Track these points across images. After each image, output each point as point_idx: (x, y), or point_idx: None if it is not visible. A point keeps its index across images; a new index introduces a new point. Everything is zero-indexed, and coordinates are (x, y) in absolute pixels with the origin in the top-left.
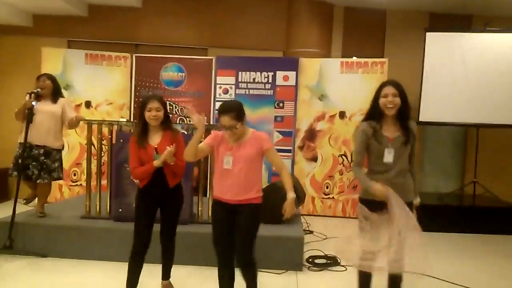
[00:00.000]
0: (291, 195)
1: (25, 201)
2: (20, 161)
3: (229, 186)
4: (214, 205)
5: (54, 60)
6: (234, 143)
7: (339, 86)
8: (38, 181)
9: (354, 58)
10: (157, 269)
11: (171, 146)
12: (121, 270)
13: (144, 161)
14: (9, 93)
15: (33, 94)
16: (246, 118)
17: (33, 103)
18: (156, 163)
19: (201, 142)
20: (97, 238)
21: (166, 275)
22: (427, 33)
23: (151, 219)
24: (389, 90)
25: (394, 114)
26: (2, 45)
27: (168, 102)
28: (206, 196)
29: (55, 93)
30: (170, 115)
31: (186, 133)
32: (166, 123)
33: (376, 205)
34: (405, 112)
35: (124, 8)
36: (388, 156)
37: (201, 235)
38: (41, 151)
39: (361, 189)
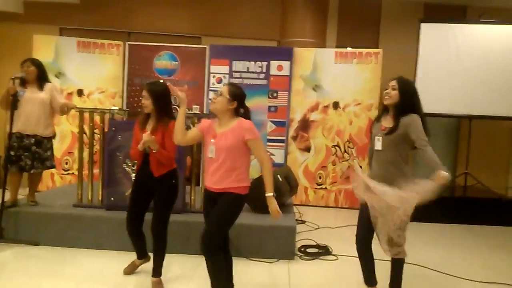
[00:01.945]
0: (269, 195)
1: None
2: (12, 152)
3: (211, 174)
4: (203, 193)
5: (45, 47)
6: (219, 130)
7: (333, 76)
8: (32, 171)
9: (349, 48)
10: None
11: (148, 133)
12: (113, 258)
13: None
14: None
15: (17, 80)
16: (238, 108)
17: (19, 90)
18: (139, 147)
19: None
20: (89, 226)
21: (155, 271)
22: (422, 24)
23: (140, 204)
24: (391, 83)
25: (393, 106)
26: None
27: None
28: (198, 185)
29: (41, 79)
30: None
31: None
32: (159, 112)
33: None
34: (402, 106)
35: None
36: (377, 144)
37: (194, 224)
38: (32, 140)
39: None
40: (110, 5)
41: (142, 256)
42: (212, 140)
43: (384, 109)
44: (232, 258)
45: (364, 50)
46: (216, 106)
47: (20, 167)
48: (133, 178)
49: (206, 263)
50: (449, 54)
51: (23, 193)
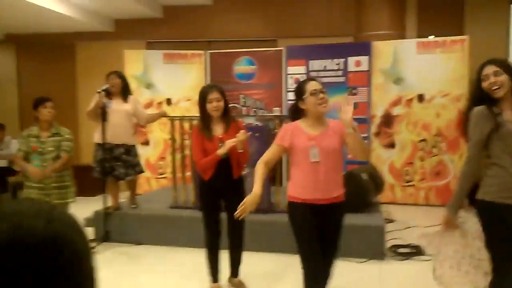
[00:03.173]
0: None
1: (110, 210)
2: (106, 164)
3: (316, 183)
4: (296, 209)
5: (135, 61)
6: (315, 132)
7: (416, 68)
8: (127, 179)
9: (431, 37)
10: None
11: (243, 131)
12: None
13: (210, 152)
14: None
15: (103, 92)
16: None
17: (105, 101)
18: (220, 151)
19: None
20: (185, 226)
21: (234, 271)
22: (511, 6)
23: (218, 211)
24: (488, 70)
25: (508, 95)
26: (89, 50)
27: (240, 95)
28: (281, 185)
29: (125, 91)
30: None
31: (259, 124)
32: (227, 113)
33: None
34: None
35: (196, 6)
36: None
37: (280, 223)
38: (122, 150)
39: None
40: (191, 17)
41: (218, 277)
42: (312, 142)
43: (487, 102)
44: None
45: (449, 38)
46: (327, 109)
47: (116, 176)
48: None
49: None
50: None
51: (123, 197)
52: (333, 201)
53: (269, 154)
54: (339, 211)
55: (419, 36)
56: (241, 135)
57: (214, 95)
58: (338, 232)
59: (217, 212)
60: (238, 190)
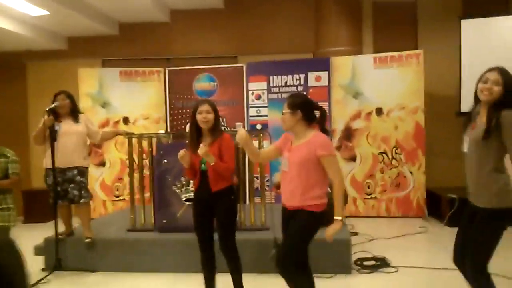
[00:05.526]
0: (337, 219)
1: (62, 236)
2: (58, 188)
3: (284, 190)
4: (281, 210)
5: (90, 79)
6: (295, 144)
7: (374, 82)
8: (82, 201)
9: (382, 53)
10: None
11: (201, 145)
12: (169, 280)
13: (195, 165)
14: None
15: (51, 112)
16: (309, 116)
17: (55, 125)
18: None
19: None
20: (144, 250)
21: None
22: (462, 21)
23: (206, 226)
24: (491, 76)
25: (490, 102)
26: (40, 69)
27: None
28: (245, 203)
29: (74, 111)
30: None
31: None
32: (216, 128)
33: None
34: (504, 102)
35: (153, 24)
36: (464, 145)
37: (246, 241)
38: (75, 171)
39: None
40: (148, 34)
41: None
42: (286, 154)
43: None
44: None
45: (404, 53)
46: (286, 126)
47: (70, 200)
48: (183, 199)
49: (287, 284)
50: (494, 49)
51: (76, 222)
52: (293, 208)
53: (266, 148)
54: (297, 217)
55: (376, 52)
56: (200, 149)
57: (204, 107)
58: (291, 233)
59: (204, 227)
60: (221, 205)
